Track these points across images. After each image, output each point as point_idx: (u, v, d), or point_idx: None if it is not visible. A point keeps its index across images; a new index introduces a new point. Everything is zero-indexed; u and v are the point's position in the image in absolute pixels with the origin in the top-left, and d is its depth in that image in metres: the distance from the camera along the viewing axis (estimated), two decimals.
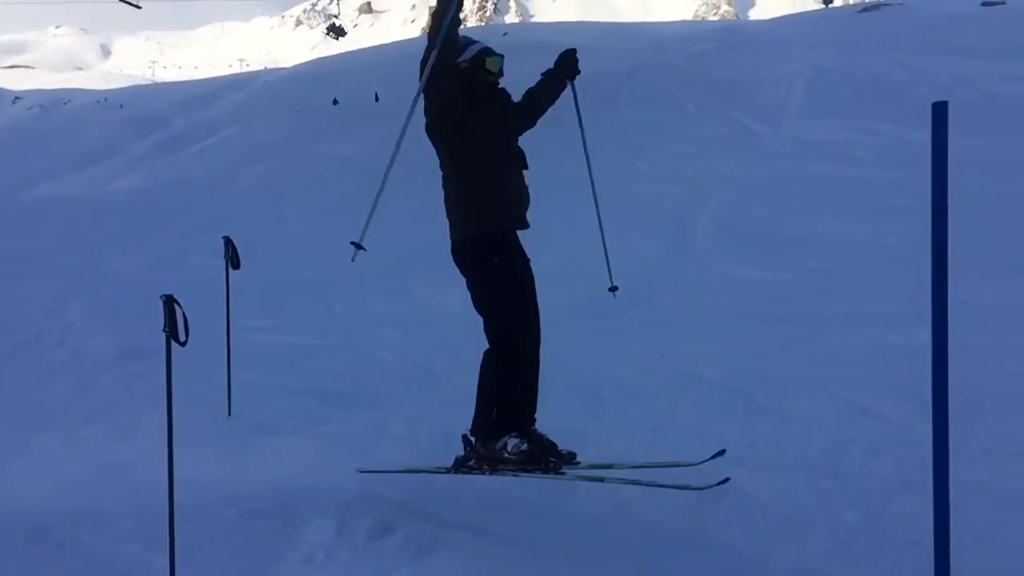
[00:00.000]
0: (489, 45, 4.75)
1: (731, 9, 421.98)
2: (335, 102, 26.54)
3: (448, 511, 5.26)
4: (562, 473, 4.57)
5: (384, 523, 4.74)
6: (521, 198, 4.81)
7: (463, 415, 6.98)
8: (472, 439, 4.80)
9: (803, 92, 18.17)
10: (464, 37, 4.75)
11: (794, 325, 8.74)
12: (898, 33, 20.86)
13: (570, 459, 4.71)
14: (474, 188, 4.63)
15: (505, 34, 38.45)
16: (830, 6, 35.92)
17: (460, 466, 4.85)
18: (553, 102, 5.03)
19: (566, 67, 4.89)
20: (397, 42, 45.85)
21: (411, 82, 4.57)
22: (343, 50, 49.39)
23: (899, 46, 19.55)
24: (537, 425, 4.85)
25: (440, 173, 4.88)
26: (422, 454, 6.25)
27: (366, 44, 50.36)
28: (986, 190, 11.80)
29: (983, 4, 23.20)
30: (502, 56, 4.74)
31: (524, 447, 4.59)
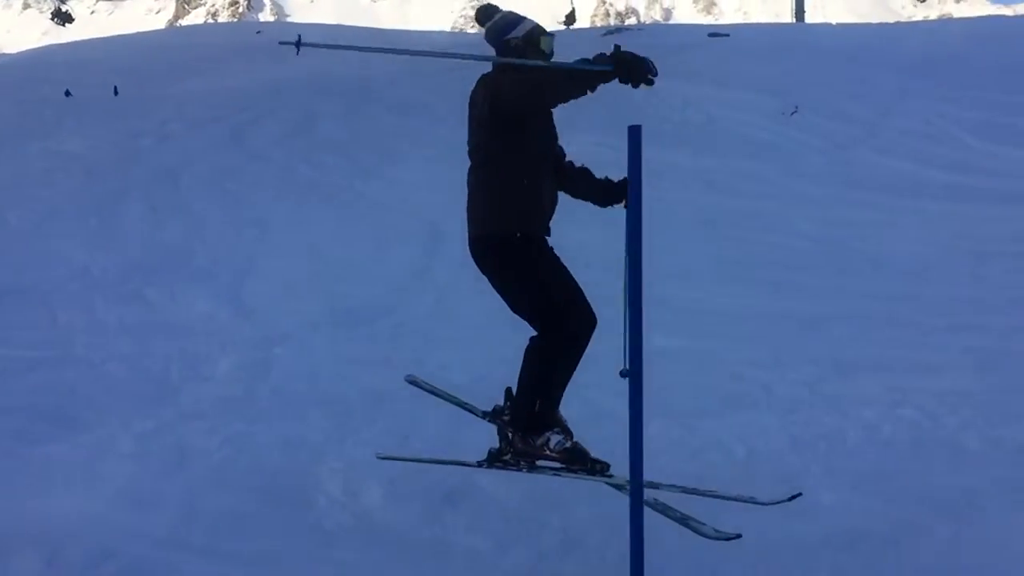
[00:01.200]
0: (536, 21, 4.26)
1: None
2: (67, 94, 24.40)
3: (183, 532, 4.94)
4: (610, 475, 4.17)
5: (102, 550, 4.35)
6: (555, 201, 4.47)
7: (207, 428, 6.60)
8: (509, 432, 4.38)
9: None
10: (511, 12, 4.34)
11: None
12: None
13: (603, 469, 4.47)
14: (520, 183, 4.17)
15: (259, 32, 37.20)
16: (572, 27, 37.82)
17: (495, 460, 4.42)
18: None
19: (630, 69, 3.71)
20: (141, 33, 43.04)
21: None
22: (78, 38, 45.55)
23: None
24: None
25: (472, 158, 4.36)
26: (151, 474, 5.84)
27: (105, 33, 46.80)
28: (710, 205, 12.92)
29: (709, 35, 25.44)
30: (553, 35, 4.28)
31: (568, 444, 4.22)
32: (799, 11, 35.94)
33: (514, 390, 4.52)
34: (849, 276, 10.55)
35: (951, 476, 5.22)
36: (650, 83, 3.64)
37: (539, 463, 4.24)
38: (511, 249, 4.20)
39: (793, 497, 4.03)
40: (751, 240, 12.29)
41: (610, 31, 27.49)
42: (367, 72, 21.46)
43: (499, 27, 4.26)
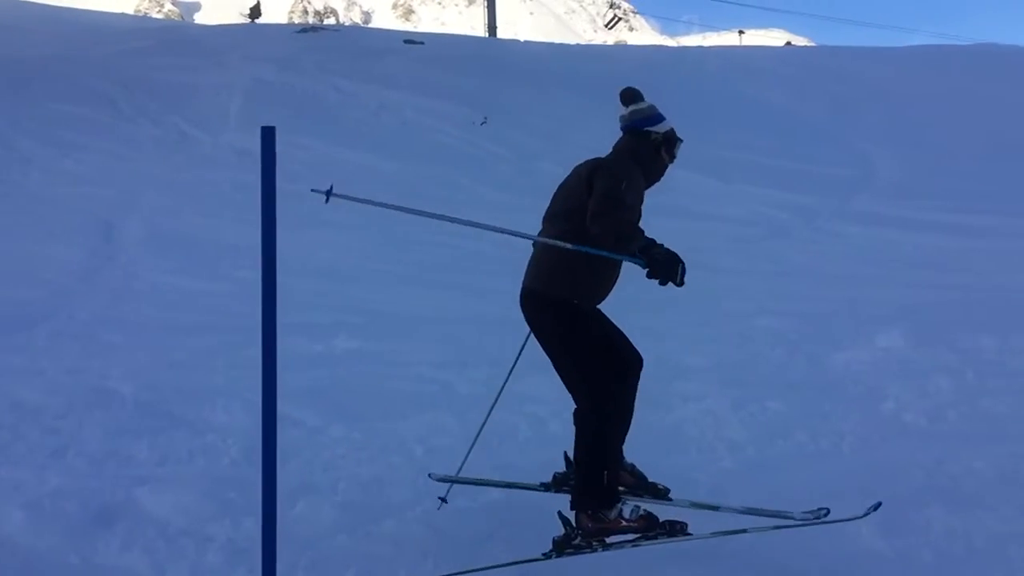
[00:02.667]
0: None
1: (176, 9, 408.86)
2: None
3: None
4: (689, 534, 3.90)
5: None
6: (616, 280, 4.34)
7: None
8: (570, 516, 4.00)
9: (242, 103, 18.30)
10: (650, 105, 4.30)
11: (220, 335, 8.64)
12: (333, 58, 22.20)
13: (665, 493, 4.29)
14: (595, 264, 3.99)
15: None
16: (257, 21, 36.63)
17: (564, 548, 3.94)
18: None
19: (663, 272, 3.62)
20: None
21: None
22: None
23: (334, 70, 20.81)
24: None
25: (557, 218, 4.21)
26: None
27: None
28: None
29: (405, 42, 25.89)
30: (682, 142, 4.31)
31: (642, 511, 3.92)
32: (492, 26, 37.59)
33: (570, 455, 4.32)
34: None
35: None
36: (679, 285, 3.63)
37: (615, 538, 3.93)
38: (565, 312, 4.11)
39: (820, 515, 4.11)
40: (440, 244, 12.64)
41: (304, 29, 27.00)
42: (29, 53, 19.37)
43: (646, 115, 4.27)
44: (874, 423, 6.28)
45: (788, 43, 61.17)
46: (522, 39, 47.86)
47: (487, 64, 23.57)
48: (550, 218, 4.29)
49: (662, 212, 14.77)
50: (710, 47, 40.65)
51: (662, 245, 3.66)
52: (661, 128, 4.25)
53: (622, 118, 4.34)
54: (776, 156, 19.29)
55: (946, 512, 4.73)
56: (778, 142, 20.46)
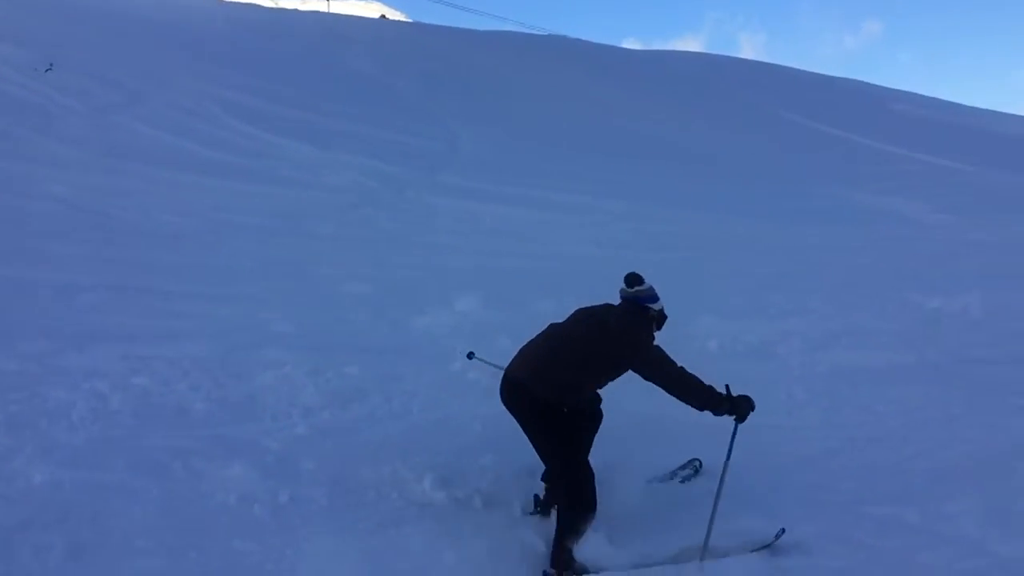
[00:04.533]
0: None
1: None
2: None
3: None
4: None
5: None
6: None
7: None
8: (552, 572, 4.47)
9: None
10: (650, 287, 4.78)
11: None
12: None
13: None
14: (588, 387, 4.83)
15: None
16: None
17: None
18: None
19: (741, 411, 4.56)
20: None
21: None
22: None
23: None
24: None
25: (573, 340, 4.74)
26: None
27: None
28: None
29: None
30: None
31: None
32: None
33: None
34: (106, 244, 10.21)
35: (168, 438, 5.34)
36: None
37: None
38: (551, 412, 4.65)
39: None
40: None
41: None
42: None
43: (648, 295, 4.76)
44: (444, 382, 6.66)
45: (383, 16, 62.43)
46: None
47: (53, 1, 21.02)
48: (571, 337, 4.79)
49: (261, 179, 14.49)
50: (307, 11, 40.23)
51: (736, 397, 4.55)
52: (656, 307, 4.80)
53: (626, 291, 4.83)
54: (370, 126, 19.65)
55: (496, 462, 5.16)
56: (372, 113, 20.86)
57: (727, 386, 4.57)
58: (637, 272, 4.89)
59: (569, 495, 4.50)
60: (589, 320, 4.81)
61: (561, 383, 4.60)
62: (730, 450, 4.56)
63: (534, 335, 4.94)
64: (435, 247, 12.37)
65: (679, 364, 4.56)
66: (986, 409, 6.48)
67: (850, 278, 10.80)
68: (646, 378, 4.56)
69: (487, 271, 10.91)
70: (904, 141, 25.32)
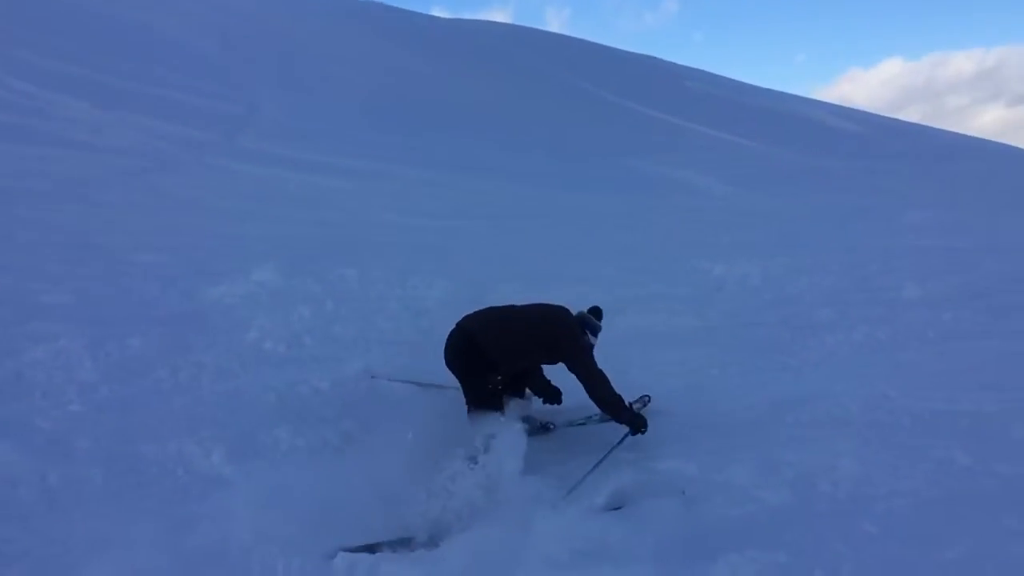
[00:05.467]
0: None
1: None
2: None
3: None
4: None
5: None
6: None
7: None
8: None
9: None
10: (600, 325, 5.71)
11: None
12: None
13: None
14: (525, 358, 5.46)
15: None
16: None
17: None
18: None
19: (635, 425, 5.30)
20: None
21: None
22: None
23: None
24: None
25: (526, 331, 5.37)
26: None
27: None
28: None
29: None
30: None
31: None
32: None
33: None
34: None
35: None
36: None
37: None
38: (488, 368, 5.24)
39: None
40: None
41: None
42: None
43: (593, 329, 5.63)
44: (236, 353, 6.42)
45: None
46: None
47: None
48: (527, 322, 5.45)
49: (37, 140, 13.32)
50: None
51: (636, 414, 5.32)
52: (594, 338, 5.63)
53: (584, 318, 5.65)
54: (160, 85, 18.52)
55: (292, 433, 5.05)
56: (163, 71, 19.66)
57: (630, 403, 5.43)
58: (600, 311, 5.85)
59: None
60: (546, 310, 5.54)
61: (506, 347, 5.24)
62: (611, 449, 5.10)
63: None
64: (232, 214, 11.89)
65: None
66: (759, 368, 7.01)
67: (642, 246, 11.34)
68: (571, 368, 5.30)
69: (287, 239, 10.60)
70: (696, 117, 26.79)
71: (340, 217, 12.21)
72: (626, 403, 5.28)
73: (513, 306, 5.57)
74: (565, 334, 5.33)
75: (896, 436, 5.40)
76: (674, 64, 42.26)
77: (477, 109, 22.73)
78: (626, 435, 5.19)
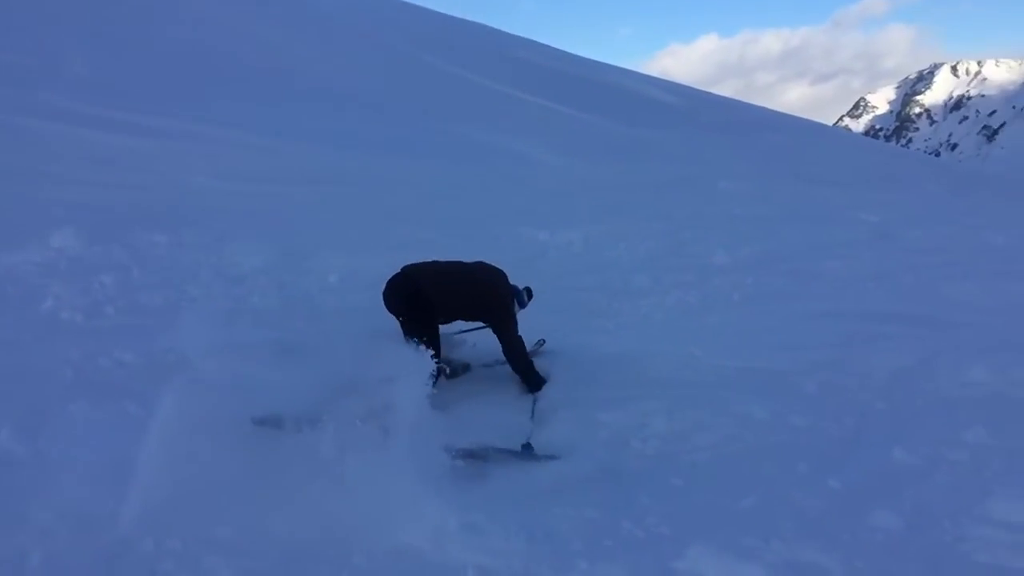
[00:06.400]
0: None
1: None
2: None
3: None
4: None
5: None
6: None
7: None
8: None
9: None
10: (526, 304, 6.37)
11: None
12: None
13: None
14: (460, 311, 5.93)
15: None
16: None
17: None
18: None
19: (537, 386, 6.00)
20: None
21: None
22: None
23: None
24: None
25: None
26: None
27: None
28: None
29: None
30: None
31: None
32: None
33: None
34: None
35: None
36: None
37: None
38: (428, 312, 5.69)
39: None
40: None
41: None
42: None
43: (524, 302, 6.32)
44: (29, 324, 5.95)
45: None
46: None
47: None
48: (471, 274, 6.02)
49: None
50: None
51: (540, 377, 5.99)
52: (520, 309, 6.23)
53: (517, 289, 6.25)
54: None
55: (89, 407, 4.73)
56: None
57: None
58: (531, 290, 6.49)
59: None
60: (490, 274, 6.10)
61: (449, 302, 5.74)
62: (532, 415, 5.52)
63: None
64: (28, 175, 10.96)
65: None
66: (579, 330, 7.20)
67: (468, 212, 11.36)
68: (496, 331, 5.92)
69: (90, 203, 9.89)
70: (525, 86, 27.07)
71: (150, 180, 11.50)
72: (535, 368, 5.99)
73: (460, 263, 6.08)
74: (501, 302, 5.95)
75: (702, 394, 5.69)
76: (504, 33, 42.48)
77: (301, 72, 21.97)
78: (534, 401, 5.73)
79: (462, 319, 6.05)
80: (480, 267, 6.12)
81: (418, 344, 5.10)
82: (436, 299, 5.67)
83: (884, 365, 6.27)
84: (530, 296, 6.44)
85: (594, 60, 41.42)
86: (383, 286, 5.82)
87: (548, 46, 41.62)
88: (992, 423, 4.99)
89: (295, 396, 4.49)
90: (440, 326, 5.81)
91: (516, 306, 6.18)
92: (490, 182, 14.18)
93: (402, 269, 5.84)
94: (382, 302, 5.79)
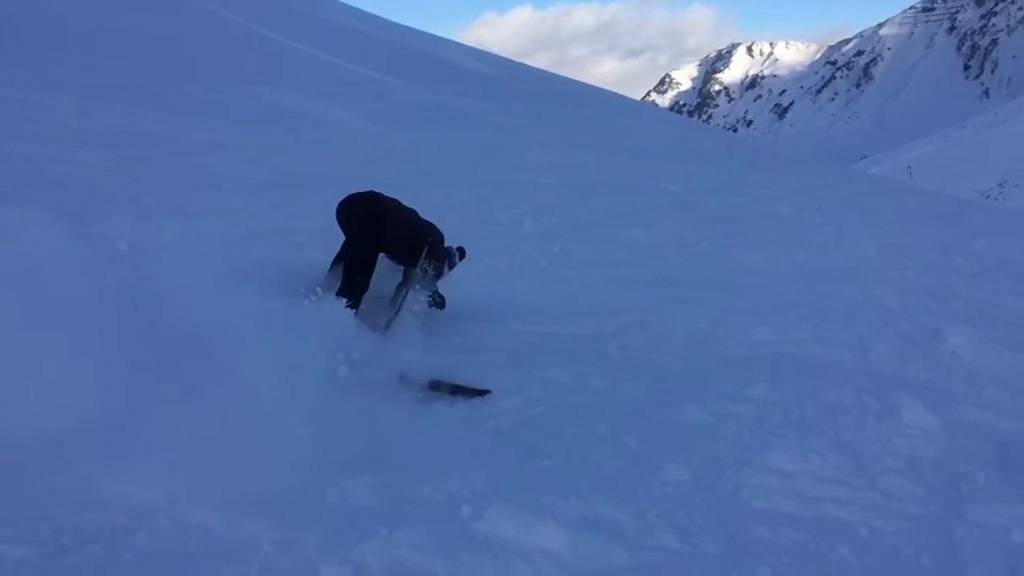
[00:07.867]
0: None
1: None
2: None
3: None
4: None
5: None
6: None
7: None
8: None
9: None
10: (457, 265, 6.95)
11: None
12: None
13: None
14: (395, 245, 6.32)
15: None
16: None
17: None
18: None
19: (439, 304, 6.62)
20: None
21: None
22: None
23: None
24: None
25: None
26: None
27: None
28: None
29: None
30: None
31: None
32: None
33: None
34: None
35: None
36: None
37: None
38: (374, 239, 6.04)
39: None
40: None
41: None
42: None
43: (452, 265, 6.87)
44: None
45: None
46: None
47: None
48: (412, 222, 6.50)
49: None
50: None
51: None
52: (448, 273, 6.79)
53: (451, 250, 6.82)
54: None
55: None
56: None
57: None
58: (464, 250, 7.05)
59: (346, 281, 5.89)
60: (435, 230, 6.55)
61: (397, 234, 6.09)
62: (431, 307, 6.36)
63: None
64: None
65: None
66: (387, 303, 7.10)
67: (274, 179, 10.94)
68: (407, 272, 6.31)
69: None
70: (331, 48, 26.33)
71: None
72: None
73: (414, 211, 6.52)
74: (435, 254, 6.39)
75: (508, 359, 5.79)
76: None
77: (84, 27, 20.25)
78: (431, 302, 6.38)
79: (394, 258, 6.34)
80: (429, 224, 6.55)
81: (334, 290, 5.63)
82: (389, 227, 5.98)
83: (680, 328, 6.61)
84: (462, 256, 6.94)
85: (404, 25, 40.88)
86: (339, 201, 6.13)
87: (356, 7, 40.68)
88: (773, 379, 5.38)
89: None
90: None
91: (446, 267, 6.70)
92: (295, 147, 13.69)
93: (369, 190, 6.22)
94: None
